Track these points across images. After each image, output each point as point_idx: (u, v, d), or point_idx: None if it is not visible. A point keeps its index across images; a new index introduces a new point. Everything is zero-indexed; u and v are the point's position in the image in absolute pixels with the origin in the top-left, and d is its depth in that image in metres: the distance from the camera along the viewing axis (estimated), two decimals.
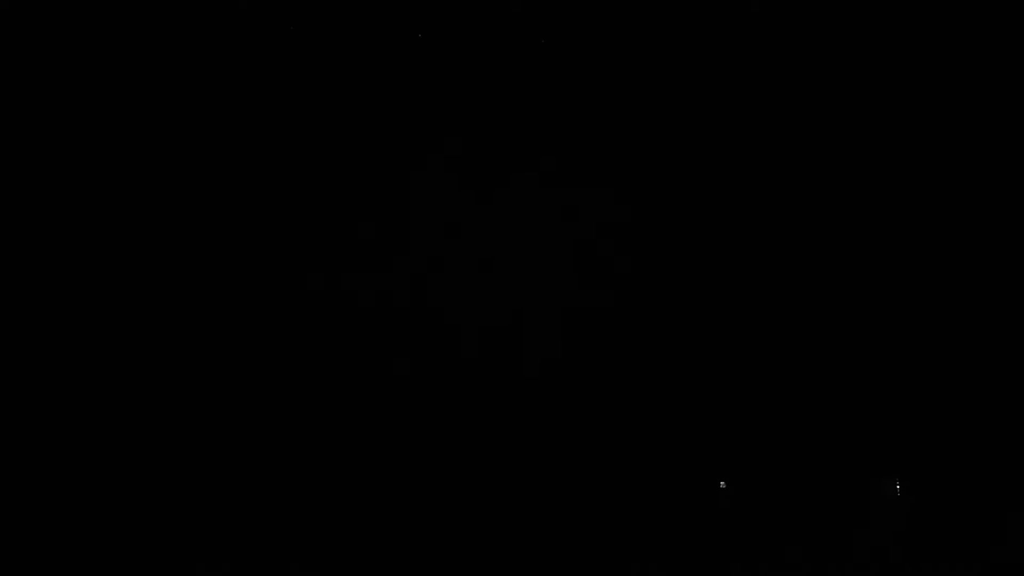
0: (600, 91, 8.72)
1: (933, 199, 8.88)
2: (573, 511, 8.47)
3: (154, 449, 8.02)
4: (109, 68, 8.44)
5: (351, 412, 8.14)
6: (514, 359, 8.49)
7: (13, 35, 8.20)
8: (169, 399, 8.10)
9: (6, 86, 8.20)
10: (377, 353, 8.18)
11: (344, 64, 9.00)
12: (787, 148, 9.15)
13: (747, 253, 9.05)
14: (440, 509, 8.10)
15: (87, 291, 8.20)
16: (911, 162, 8.92)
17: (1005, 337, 8.64)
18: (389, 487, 8.03)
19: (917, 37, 8.85)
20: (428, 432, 8.20)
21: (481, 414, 8.34)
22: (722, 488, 8.37)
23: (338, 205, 8.30)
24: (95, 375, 8.14)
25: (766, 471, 8.52)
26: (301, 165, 8.34)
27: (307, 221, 8.26)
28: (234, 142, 8.32)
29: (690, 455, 8.65)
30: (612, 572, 7.90)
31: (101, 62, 8.40)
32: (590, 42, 8.81)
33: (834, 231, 8.96)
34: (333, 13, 8.95)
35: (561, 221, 8.58)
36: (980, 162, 8.81)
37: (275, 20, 8.86)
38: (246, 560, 7.62)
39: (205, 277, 8.25)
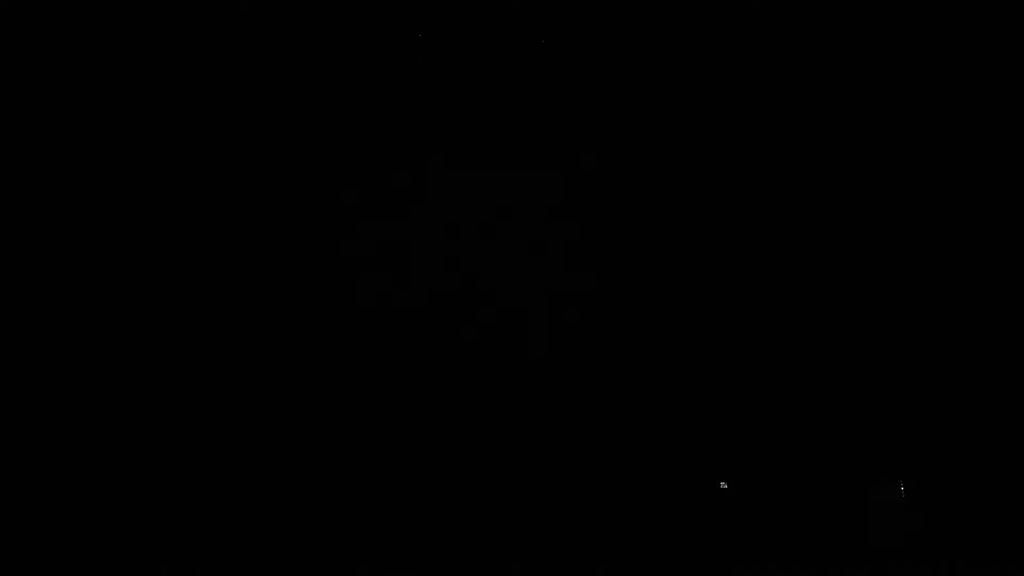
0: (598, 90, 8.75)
1: (932, 201, 8.87)
2: (571, 510, 8.47)
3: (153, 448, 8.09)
4: (115, 67, 8.46)
5: (347, 408, 8.16)
6: (510, 354, 8.53)
7: (8, 34, 8.21)
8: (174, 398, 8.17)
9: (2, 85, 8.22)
10: (375, 350, 8.20)
11: (343, 64, 9.03)
12: (786, 145, 9.15)
13: (748, 254, 9.05)
14: (438, 508, 8.12)
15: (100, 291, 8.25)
16: (909, 160, 8.92)
17: (1005, 340, 8.64)
18: (387, 483, 8.04)
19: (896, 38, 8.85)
20: (422, 430, 8.21)
21: (478, 411, 8.36)
22: (723, 488, 8.35)
23: (334, 205, 8.31)
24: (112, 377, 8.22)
25: (768, 472, 8.52)
26: (298, 165, 8.36)
27: (303, 222, 8.27)
28: (229, 144, 8.34)
29: (690, 455, 8.65)
30: (610, 570, 7.88)
31: (105, 61, 8.42)
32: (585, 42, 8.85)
33: (836, 232, 8.95)
34: (334, 13, 8.97)
35: (560, 215, 8.59)
36: (978, 163, 8.80)
37: (274, 20, 8.89)
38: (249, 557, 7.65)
39: (210, 276, 8.27)
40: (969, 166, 8.82)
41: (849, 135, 9.04)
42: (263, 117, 8.39)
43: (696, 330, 8.85)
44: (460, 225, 8.41)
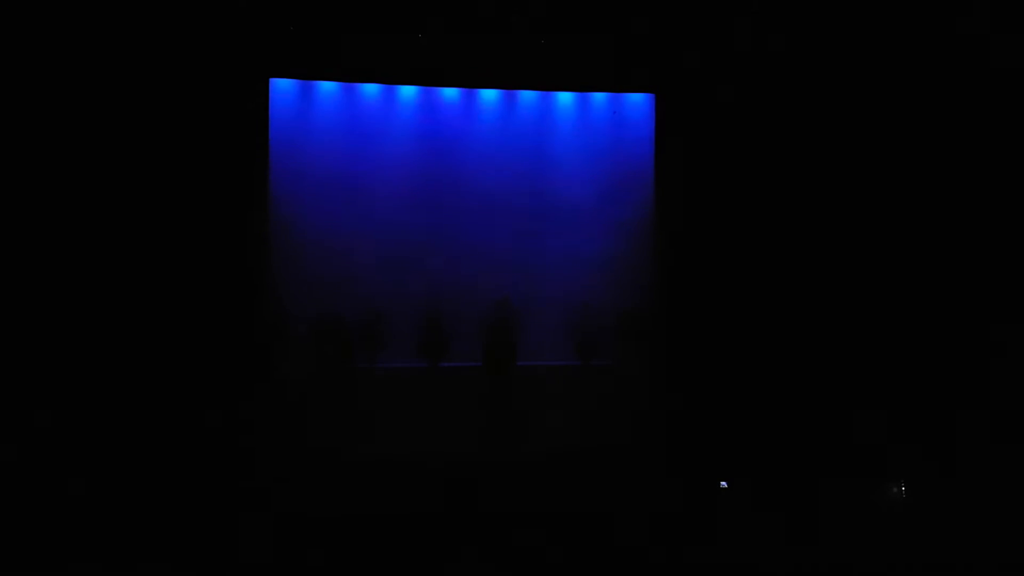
0: None
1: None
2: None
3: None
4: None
5: None
6: None
7: None
8: None
9: None
10: None
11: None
12: (791, 151, 9.16)
13: (753, 256, 9.06)
14: None
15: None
16: (905, 168, 8.92)
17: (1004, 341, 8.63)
18: None
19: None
20: None
21: None
22: (723, 487, 8.31)
23: None
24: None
25: (770, 469, 8.49)
26: None
27: None
28: None
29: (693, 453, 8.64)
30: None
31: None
32: None
33: (833, 237, 8.97)
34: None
35: None
36: (969, 174, 8.79)
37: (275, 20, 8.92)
38: None
39: None
40: (957, 176, 8.81)
41: (846, 143, 9.05)
42: None
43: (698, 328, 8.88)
44: None
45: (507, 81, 9.94)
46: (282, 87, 9.70)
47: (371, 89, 10.12)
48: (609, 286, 10.00)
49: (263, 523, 7.72)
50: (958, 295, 8.75)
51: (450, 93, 10.25)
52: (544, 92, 10.26)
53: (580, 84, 9.99)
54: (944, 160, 8.86)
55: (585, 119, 10.36)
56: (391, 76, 9.77)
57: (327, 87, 9.99)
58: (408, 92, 10.17)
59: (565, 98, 10.44)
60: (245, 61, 8.97)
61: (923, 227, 8.87)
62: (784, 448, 8.59)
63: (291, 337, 9.15)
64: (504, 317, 9.51)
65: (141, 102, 8.61)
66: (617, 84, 9.89)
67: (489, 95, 10.29)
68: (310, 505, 8.13)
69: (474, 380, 9.52)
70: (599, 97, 10.43)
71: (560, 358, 9.98)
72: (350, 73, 9.62)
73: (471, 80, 9.95)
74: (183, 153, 8.70)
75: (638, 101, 10.28)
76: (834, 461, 8.49)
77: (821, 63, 9.02)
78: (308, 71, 9.49)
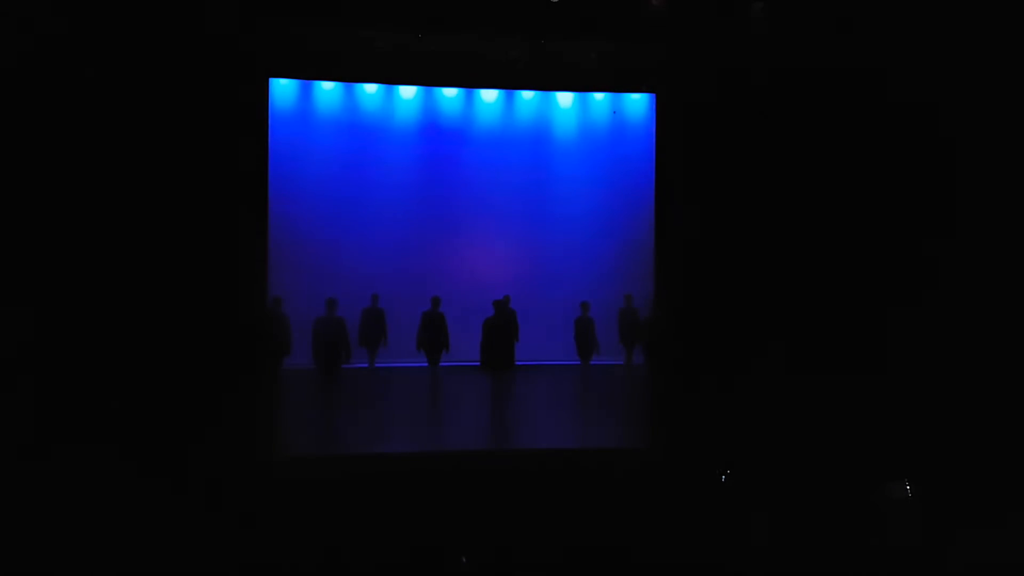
0: None
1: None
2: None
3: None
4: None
5: None
6: None
7: None
8: None
9: None
10: None
11: None
12: (790, 152, 9.17)
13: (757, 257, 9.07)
14: None
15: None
16: (908, 170, 8.94)
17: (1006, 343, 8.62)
18: None
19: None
20: None
21: None
22: (723, 480, 8.28)
23: None
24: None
25: (773, 467, 8.47)
26: None
27: None
28: None
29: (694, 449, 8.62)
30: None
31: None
32: None
33: (831, 234, 8.98)
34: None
35: None
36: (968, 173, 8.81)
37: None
38: None
39: None
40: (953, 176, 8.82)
41: (837, 141, 9.08)
42: None
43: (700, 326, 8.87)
44: None
45: (507, 81, 9.94)
46: (282, 87, 9.74)
47: (371, 89, 10.15)
48: (609, 286, 10.02)
49: (257, 518, 7.70)
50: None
51: (450, 93, 10.27)
52: (544, 92, 10.28)
53: (580, 84, 10.00)
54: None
55: (585, 119, 10.38)
56: (391, 76, 9.77)
57: (327, 87, 10.02)
58: (408, 92, 10.19)
59: (565, 98, 10.47)
60: (245, 61, 8.97)
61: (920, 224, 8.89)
62: (786, 445, 8.58)
63: (289, 334, 9.16)
64: (503, 317, 9.50)
65: (142, 102, 8.62)
66: (617, 84, 9.89)
67: (489, 95, 10.31)
68: (303, 503, 8.12)
69: (473, 380, 9.51)
70: (599, 97, 10.45)
71: (560, 358, 10.00)
72: (350, 73, 9.62)
73: (471, 80, 9.96)
74: (184, 152, 8.70)
75: (638, 101, 10.31)
76: (833, 459, 8.47)
77: (818, 63, 9.05)
78: (308, 71, 9.49)
